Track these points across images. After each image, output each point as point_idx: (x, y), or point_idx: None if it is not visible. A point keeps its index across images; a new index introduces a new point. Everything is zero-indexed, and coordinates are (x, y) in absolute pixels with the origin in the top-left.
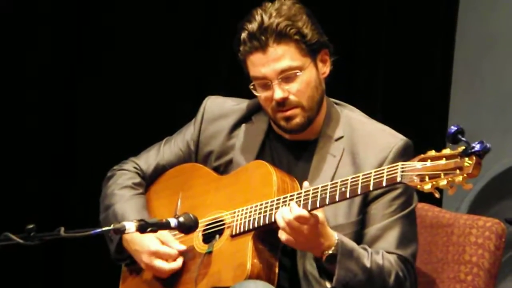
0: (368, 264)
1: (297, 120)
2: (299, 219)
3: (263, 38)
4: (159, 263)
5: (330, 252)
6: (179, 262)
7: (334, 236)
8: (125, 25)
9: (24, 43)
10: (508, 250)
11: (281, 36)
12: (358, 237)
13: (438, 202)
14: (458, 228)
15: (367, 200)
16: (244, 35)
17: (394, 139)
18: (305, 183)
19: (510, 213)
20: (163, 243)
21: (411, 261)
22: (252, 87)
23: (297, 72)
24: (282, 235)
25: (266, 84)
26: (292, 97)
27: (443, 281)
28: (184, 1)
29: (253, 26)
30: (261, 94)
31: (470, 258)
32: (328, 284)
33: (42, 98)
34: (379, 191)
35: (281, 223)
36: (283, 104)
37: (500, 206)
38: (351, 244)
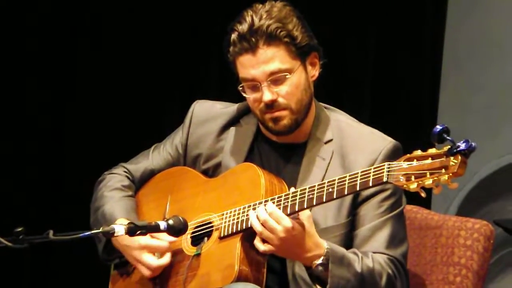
0: (359, 269)
1: (285, 122)
2: (272, 214)
3: (253, 39)
4: (148, 258)
5: (320, 261)
6: (166, 259)
7: (324, 245)
8: (113, 27)
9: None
10: (496, 252)
11: (271, 38)
12: (348, 239)
13: (427, 204)
14: (447, 230)
15: (356, 202)
16: (234, 36)
17: (383, 142)
18: (292, 189)
19: (499, 215)
20: (152, 236)
21: (401, 261)
22: (241, 88)
23: (287, 75)
24: (259, 245)
25: (255, 86)
26: (281, 100)
27: (432, 283)
28: (174, 3)
29: (243, 27)
30: (249, 96)
31: (458, 259)
32: None
33: (31, 100)
34: (368, 192)
35: (257, 226)
36: (271, 106)
37: (488, 208)
38: (341, 250)
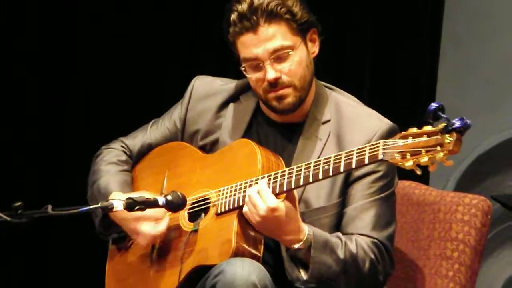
0: (342, 255)
1: (289, 99)
2: (259, 204)
3: (254, 18)
4: (146, 227)
5: (301, 246)
6: (163, 226)
7: (305, 231)
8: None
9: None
10: (494, 227)
11: (272, 16)
12: (339, 219)
13: (425, 180)
14: (445, 206)
15: (348, 182)
16: (233, 16)
17: (380, 123)
18: (288, 168)
19: (496, 190)
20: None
21: (386, 243)
22: (243, 69)
23: (289, 52)
24: (244, 210)
25: (258, 65)
26: (284, 77)
27: (430, 258)
28: None
29: (242, 6)
30: (252, 76)
31: (456, 235)
32: (303, 275)
33: (31, 77)
34: (360, 173)
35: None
36: (275, 84)
37: (486, 184)
38: (324, 236)
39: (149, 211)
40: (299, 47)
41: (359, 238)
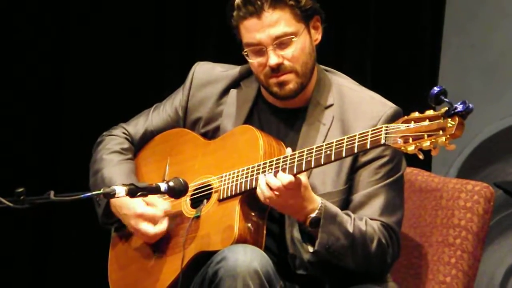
0: (351, 229)
1: (291, 86)
2: (288, 185)
3: (258, 3)
4: (145, 226)
5: (314, 215)
6: (164, 225)
7: (318, 201)
8: None
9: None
10: (496, 214)
11: (276, 1)
12: (346, 205)
13: (427, 167)
14: (447, 192)
15: (354, 168)
16: (238, 0)
17: (384, 107)
18: (288, 149)
19: (499, 177)
20: (148, 204)
21: (394, 228)
22: (245, 53)
23: (292, 38)
24: (262, 195)
25: (260, 50)
26: (286, 63)
27: (432, 245)
28: None
29: None
30: (254, 61)
31: (458, 221)
32: (310, 248)
33: (30, 65)
34: (366, 158)
35: (266, 192)
36: (277, 69)
37: (489, 170)
38: (335, 209)
39: (149, 210)
40: (302, 34)
41: (369, 220)
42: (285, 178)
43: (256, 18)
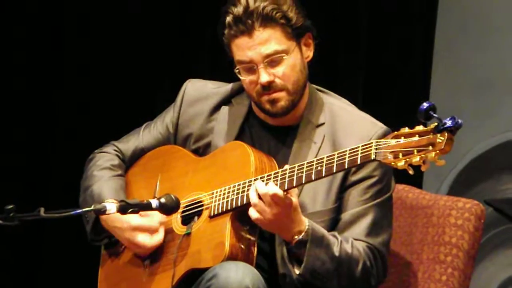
0: (337, 253)
1: (282, 103)
2: (274, 197)
3: (249, 21)
4: (142, 238)
5: (300, 237)
6: (160, 235)
7: (305, 222)
8: (104, 10)
9: None
10: (487, 232)
11: (267, 20)
12: (334, 224)
13: (418, 184)
14: (438, 210)
15: (344, 187)
16: (229, 18)
17: (374, 128)
18: (286, 167)
19: (490, 195)
20: (142, 216)
21: (380, 250)
22: (237, 71)
23: (283, 56)
24: (252, 212)
25: (252, 68)
26: (277, 81)
27: (423, 262)
28: None
29: (238, 9)
30: (246, 78)
31: (449, 239)
32: (296, 270)
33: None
34: (355, 178)
35: (253, 198)
36: (268, 87)
37: (479, 188)
38: (322, 231)
39: (145, 221)
40: (293, 52)
41: (355, 241)
42: (273, 188)
43: (247, 37)
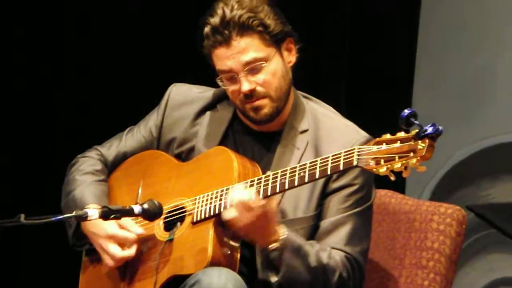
0: (313, 263)
1: (266, 110)
2: (245, 204)
3: (226, 32)
4: (113, 249)
5: (275, 246)
6: (132, 250)
7: (281, 232)
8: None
9: None
10: (468, 237)
11: (244, 29)
12: (315, 231)
13: (401, 189)
14: (420, 215)
15: (324, 194)
16: (207, 29)
17: (357, 136)
18: (269, 173)
19: (471, 200)
20: (121, 227)
21: (358, 259)
22: (219, 80)
23: (263, 63)
24: (225, 214)
25: (233, 77)
26: (259, 88)
27: (405, 267)
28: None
29: (215, 20)
30: (228, 87)
31: (431, 244)
32: (274, 277)
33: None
34: (336, 185)
35: (229, 200)
36: (250, 95)
37: (461, 193)
38: (298, 241)
39: (121, 232)
40: (274, 58)
41: (333, 251)
42: (246, 195)
43: (225, 47)
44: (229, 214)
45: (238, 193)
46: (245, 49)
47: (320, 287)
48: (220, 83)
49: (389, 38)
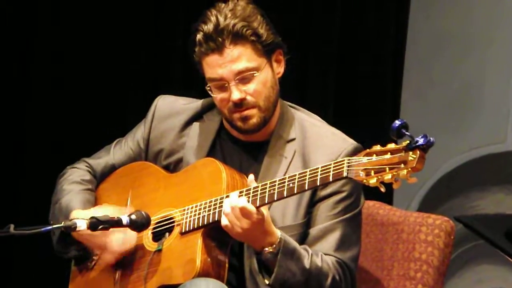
0: (307, 265)
1: (254, 120)
2: (243, 209)
3: (219, 39)
4: (116, 236)
5: (271, 249)
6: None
7: (277, 234)
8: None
9: None
10: (456, 248)
11: (238, 38)
12: (304, 239)
13: (388, 200)
14: (408, 226)
15: (313, 201)
16: (199, 36)
17: (344, 144)
18: (250, 176)
19: (459, 211)
20: None
21: (349, 264)
22: (208, 88)
23: (254, 73)
24: (224, 220)
25: (223, 85)
26: (249, 98)
27: (393, 279)
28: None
29: (208, 27)
30: (217, 96)
31: (419, 255)
32: (266, 281)
33: None
34: (325, 193)
35: (226, 208)
36: (240, 105)
37: (449, 204)
38: (293, 244)
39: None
40: (264, 68)
41: (324, 255)
42: (242, 202)
43: (218, 54)
44: (225, 220)
45: (235, 200)
46: (237, 57)
47: None
48: (208, 91)
49: (378, 47)
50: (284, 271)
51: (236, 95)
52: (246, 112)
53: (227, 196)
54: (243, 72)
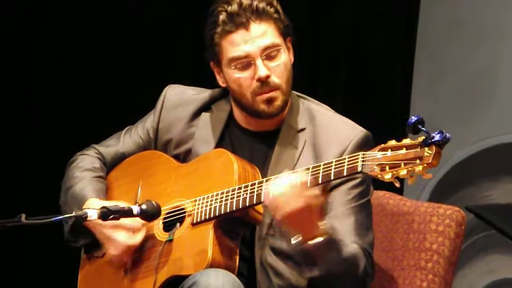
0: (347, 254)
1: (278, 102)
2: (303, 185)
3: (246, 14)
4: (120, 236)
5: (322, 239)
6: (140, 236)
7: (326, 223)
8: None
9: None
10: (467, 238)
11: (262, 14)
12: None
13: (399, 190)
14: (419, 216)
15: (326, 190)
16: (222, 16)
17: (354, 131)
18: (271, 177)
19: (470, 201)
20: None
21: (369, 250)
22: (233, 68)
23: (280, 48)
24: (270, 197)
25: (249, 63)
26: (273, 78)
27: (404, 268)
28: None
29: (232, 7)
30: (241, 75)
31: (430, 245)
32: (313, 272)
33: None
34: (337, 180)
35: (281, 187)
36: (265, 83)
37: (460, 194)
38: (337, 233)
39: (126, 221)
40: (285, 50)
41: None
42: (299, 177)
43: (244, 30)
44: (274, 199)
45: (288, 176)
46: (264, 33)
47: (351, 276)
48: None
49: (388, 38)
50: (329, 263)
51: (263, 71)
52: (271, 94)
53: (233, 192)
54: (269, 48)
